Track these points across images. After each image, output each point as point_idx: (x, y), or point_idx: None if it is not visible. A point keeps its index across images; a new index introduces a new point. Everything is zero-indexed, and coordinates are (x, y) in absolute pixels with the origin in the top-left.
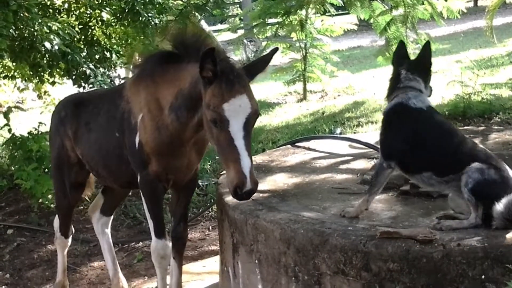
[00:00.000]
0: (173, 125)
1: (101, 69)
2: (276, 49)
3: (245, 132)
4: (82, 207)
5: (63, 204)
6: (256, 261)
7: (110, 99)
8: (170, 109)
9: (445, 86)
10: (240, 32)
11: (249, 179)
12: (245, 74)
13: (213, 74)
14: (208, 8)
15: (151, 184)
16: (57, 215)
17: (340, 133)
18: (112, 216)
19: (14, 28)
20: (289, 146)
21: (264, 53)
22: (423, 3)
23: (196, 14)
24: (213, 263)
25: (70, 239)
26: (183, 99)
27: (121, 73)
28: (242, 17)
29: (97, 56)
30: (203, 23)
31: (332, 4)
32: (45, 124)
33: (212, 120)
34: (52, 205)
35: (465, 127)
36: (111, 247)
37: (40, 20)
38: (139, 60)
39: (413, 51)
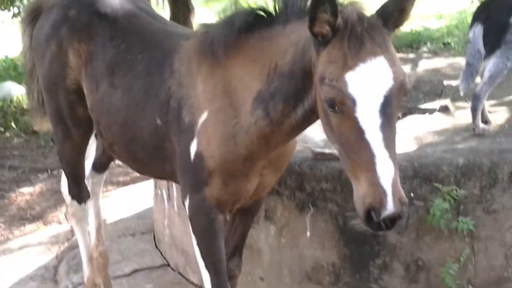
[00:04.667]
0: (259, 126)
1: None
2: None
3: (383, 120)
4: (8, 133)
5: (66, 148)
6: None
7: (155, 51)
8: (256, 102)
9: None
10: None
11: (391, 197)
12: (382, 25)
13: (332, 28)
14: None
15: (208, 215)
16: (63, 172)
17: None
18: (106, 173)
19: None
20: None
21: None
22: None
23: None
24: (146, 187)
25: (88, 204)
26: (280, 81)
27: None
28: None
29: None
30: None
31: None
32: None
33: (328, 101)
34: None
35: None
36: (99, 212)
37: None
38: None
39: None
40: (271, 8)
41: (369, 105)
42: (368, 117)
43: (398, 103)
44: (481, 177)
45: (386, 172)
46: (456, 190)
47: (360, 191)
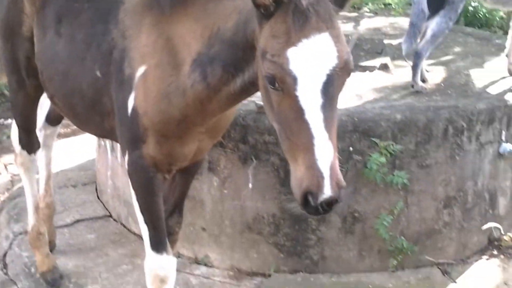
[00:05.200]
0: (195, 90)
1: None
2: None
3: (325, 99)
4: None
5: (19, 98)
6: None
7: (102, 0)
8: (195, 64)
9: None
10: None
11: (328, 181)
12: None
13: (274, 0)
14: None
15: (146, 173)
16: (14, 121)
17: None
18: (59, 126)
19: None
20: None
21: None
22: None
23: None
24: (88, 140)
25: (38, 155)
26: (221, 47)
27: None
28: None
29: None
30: None
31: None
32: None
33: (269, 77)
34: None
35: None
36: (49, 164)
37: None
38: None
39: None
40: None
41: (310, 84)
42: (309, 96)
43: (341, 83)
44: (417, 133)
45: (324, 155)
46: (392, 145)
47: (297, 174)
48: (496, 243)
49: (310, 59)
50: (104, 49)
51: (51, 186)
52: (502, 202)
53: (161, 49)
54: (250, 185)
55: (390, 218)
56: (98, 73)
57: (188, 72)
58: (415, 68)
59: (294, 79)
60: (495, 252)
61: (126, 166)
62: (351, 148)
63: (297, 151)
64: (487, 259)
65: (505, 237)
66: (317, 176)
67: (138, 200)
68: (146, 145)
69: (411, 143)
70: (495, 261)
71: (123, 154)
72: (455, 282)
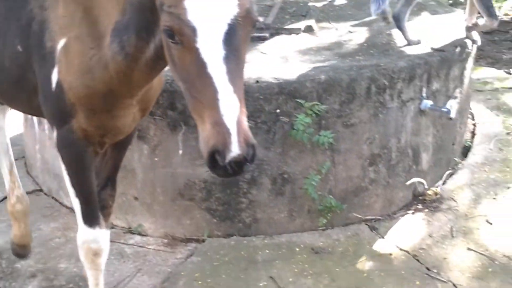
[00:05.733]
0: (116, 61)
1: None
2: None
3: (228, 51)
4: None
5: None
6: None
7: None
8: (113, 34)
9: None
10: None
11: (236, 137)
12: None
13: None
14: None
15: (76, 147)
16: None
17: None
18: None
19: None
20: None
21: None
22: None
23: None
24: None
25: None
26: (132, 12)
27: None
28: None
29: None
30: None
31: None
32: None
33: (167, 30)
34: None
35: None
36: (9, 150)
37: None
38: None
39: None
40: None
41: (211, 34)
42: (210, 48)
43: (245, 34)
44: (341, 92)
45: (229, 110)
46: (317, 105)
47: (203, 133)
48: (420, 197)
49: (209, 8)
50: (23, 21)
51: (16, 175)
52: (425, 158)
53: (80, 20)
54: (180, 152)
55: (318, 177)
56: (19, 48)
57: (108, 44)
58: (401, 29)
59: (193, 30)
60: (420, 206)
61: (55, 141)
62: (277, 110)
63: (202, 108)
64: (413, 213)
65: (429, 192)
66: (223, 132)
67: (68, 174)
68: (75, 119)
69: (335, 103)
70: (420, 215)
71: (51, 130)
72: (383, 237)
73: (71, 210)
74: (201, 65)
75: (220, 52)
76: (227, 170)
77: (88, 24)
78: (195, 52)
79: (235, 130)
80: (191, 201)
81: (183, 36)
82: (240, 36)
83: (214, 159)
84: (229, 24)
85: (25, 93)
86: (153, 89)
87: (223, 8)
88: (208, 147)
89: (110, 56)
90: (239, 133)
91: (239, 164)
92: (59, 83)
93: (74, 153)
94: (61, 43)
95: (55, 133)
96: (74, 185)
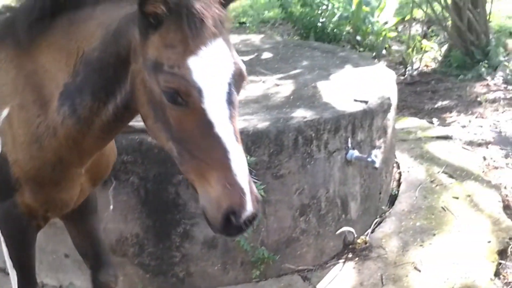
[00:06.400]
0: (66, 126)
1: None
2: None
3: (231, 110)
4: None
5: None
6: None
7: None
8: (62, 97)
9: None
10: None
11: (249, 197)
12: (216, 2)
13: (167, 7)
14: None
15: (18, 222)
16: None
17: None
18: None
19: None
20: None
21: None
22: None
23: None
24: None
25: None
26: (87, 72)
27: None
28: None
29: None
30: None
31: None
32: None
33: (170, 92)
34: None
35: None
36: None
37: None
38: None
39: None
40: None
41: (216, 94)
42: (217, 108)
43: (239, 92)
44: (269, 144)
45: (241, 170)
46: (247, 157)
47: (212, 194)
48: (350, 246)
49: (211, 68)
50: None
51: None
52: (353, 207)
53: (23, 87)
54: (111, 207)
55: (250, 229)
56: None
57: (57, 108)
58: None
59: (199, 91)
60: (350, 255)
61: None
62: None
63: (209, 169)
64: (344, 262)
65: (358, 240)
66: (239, 193)
67: (7, 246)
68: (19, 193)
69: (264, 155)
70: (351, 264)
71: None
72: (315, 287)
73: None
74: (207, 126)
75: (226, 111)
76: (241, 229)
77: (32, 91)
78: (201, 113)
79: (249, 190)
80: (123, 256)
81: (190, 97)
82: (236, 94)
83: (229, 219)
84: (229, 83)
85: None
86: (105, 156)
87: (224, 68)
88: (223, 208)
89: (59, 121)
90: (252, 191)
91: (251, 221)
92: (3, 156)
93: (15, 228)
94: (3, 113)
95: None
96: (13, 258)
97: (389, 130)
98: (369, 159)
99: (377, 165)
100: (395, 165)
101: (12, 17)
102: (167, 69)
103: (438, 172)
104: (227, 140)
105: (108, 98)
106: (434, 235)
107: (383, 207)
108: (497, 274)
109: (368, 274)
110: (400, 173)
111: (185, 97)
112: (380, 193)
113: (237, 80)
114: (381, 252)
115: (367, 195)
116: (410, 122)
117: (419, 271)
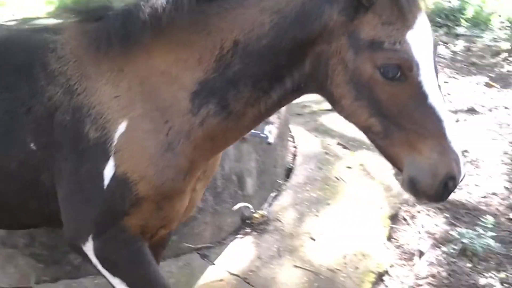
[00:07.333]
0: (208, 125)
1: None
2: None
3: (437, 80)
4: None
5: None
6: None
7: (12, 54)
8: (201, 96)
9: None
10: None
11: (463, 161)
12: None
13: None
14: None
15: (133, 245)
16: None
17: None
18: None
19: None
20: None
21: None
22: None
23: None
24: None
25: None
26: (247, 62)
27: None
28: None
29: None
30: None
31: None
32: None
33: (390, 69)
34: None
35: None
36: None
37: None
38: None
39: None
40: None
41: (429, 66)
42: (430, 79)
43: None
44: None
45: (455, 136)
46: None
47: (425, 163)
48: (248, 221)
49: (425, 40)
50: (38, 113)
51: None
52: (249, 182)
53: (140, 96)
54: None
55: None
56: (32, 146)
57: (191, 110)
58: None
59: (417, 65)
60: (248, 230)
61: (94, 252)
62: None
63: (422, 138)
64: (242, 237)
65: (256, 215)
66: (455, 159)
67: (127, 278)
68: (130, 217)
69: None
70: (249, 239)
71: (76, 243)
72: (214, 264)
73: None
74: (421, 97)
75: (435, 82)
76: (449, 192)
77: (149, 98)
78: (418, 86)
79: (461, 154)
80: (13, 248)
81: (411, 71)
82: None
83: (448, 185)
84: (434, 53)
85: (36, 201)
86: (219, 156)
87: (432, 39)
88: (441, 175)
89: (197, 123)
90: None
91: (455, 186)
92: (120, 178)
93: (131, 253)
94: (120, 128)
95: (90, 244)
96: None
97: None
98: (263, 135)
99: (270, 140)
100: (290, 139)
101: (107, 25)
102: (389, 46)
103: (333, 144)
104: (440, 109)
105: (272, 86)
106: (329, 204)
107: (279, 181)
108: (389, 238)
109: (266, 247)
110: (295, 147)
111: (407, 71)
112: (275, 167)
113: (435, 50)
114: (278, 225)
115: (263, 170)
116: (305, 96)
117: (314, 240)
